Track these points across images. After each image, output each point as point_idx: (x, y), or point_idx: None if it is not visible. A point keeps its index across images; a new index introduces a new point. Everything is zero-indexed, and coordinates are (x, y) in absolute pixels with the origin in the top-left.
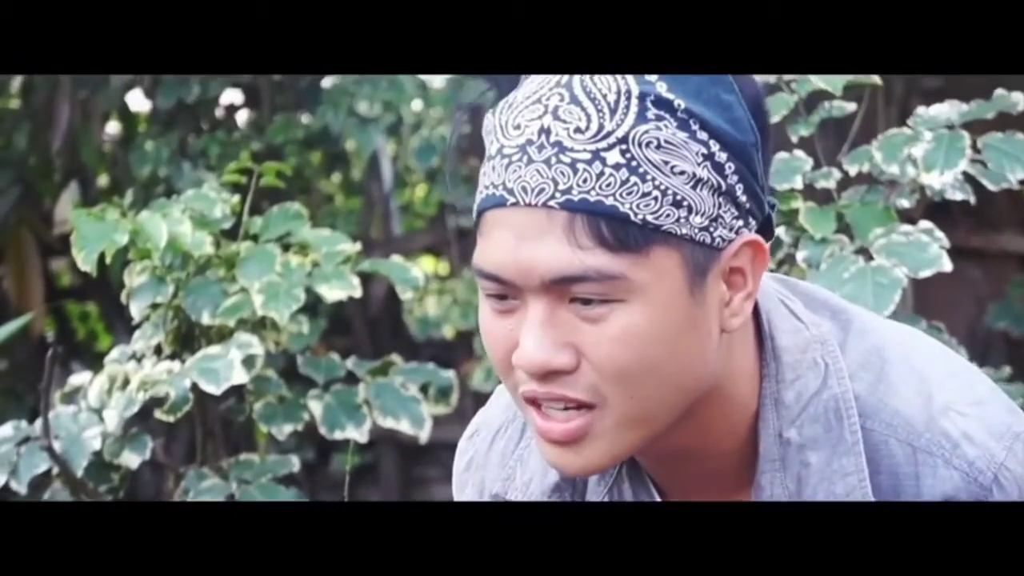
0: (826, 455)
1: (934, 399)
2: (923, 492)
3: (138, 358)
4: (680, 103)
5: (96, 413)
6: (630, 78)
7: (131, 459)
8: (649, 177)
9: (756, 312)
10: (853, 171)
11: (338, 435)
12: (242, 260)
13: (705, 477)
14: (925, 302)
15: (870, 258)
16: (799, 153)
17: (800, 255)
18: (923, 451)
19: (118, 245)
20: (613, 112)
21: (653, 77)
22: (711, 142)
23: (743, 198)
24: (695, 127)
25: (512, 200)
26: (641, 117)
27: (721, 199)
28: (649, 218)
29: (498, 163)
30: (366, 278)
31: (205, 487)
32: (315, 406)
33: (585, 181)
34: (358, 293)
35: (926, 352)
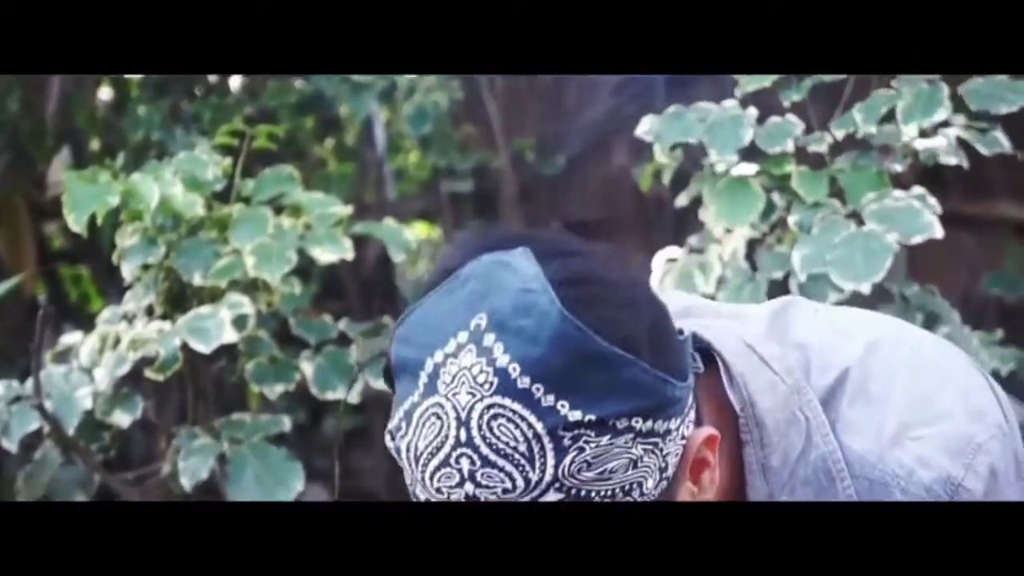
0: None
1: (886, 428)
2: None
3: (129, 319)
4: (589, 416)
5: (87, 372)
6: (531, 417)
7: (122, 418)
8: (593, 493)
9: (729, 373)
10: (840, 135)
11: (329, 395)
12: (234, 222)
13: None
14: (919, 268)
15: (862, 223)
16: (791, 117)
17: (792, 219)
18: (879, 484)
19: (110, 206)
20: (532, 462)
21: (550, 399)
22: (632, 422)
23: (676, 421)
24: (612, 422)
25: None
26: (560, 451)
27: (662, 444)
28: None
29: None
30: (359, 242)
31: (196, 446)
32: (307, 367)
33: None
34: (350, 255)
35: (888, 368)
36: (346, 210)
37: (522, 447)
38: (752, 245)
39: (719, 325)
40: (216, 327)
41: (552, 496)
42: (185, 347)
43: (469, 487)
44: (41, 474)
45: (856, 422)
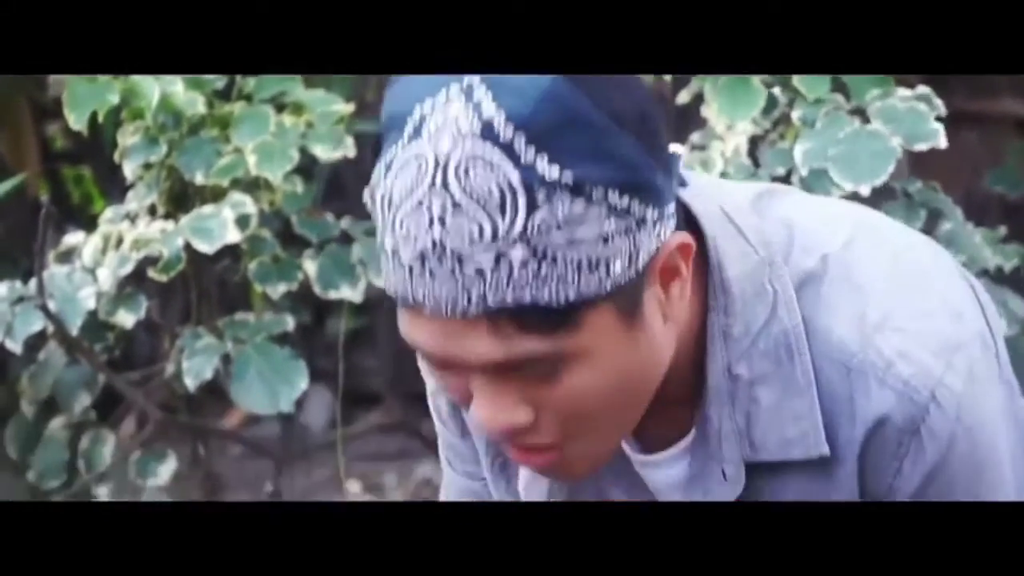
0: (776, 394)
1: (868, 316)
2: (857, 413)
3: (132, 218)
4: (566, 176)
5: (90, 272)
6: (508, 166)
7: (126, 318)
8: (559, 259)
9: (702, 240)
10: None
11: (332, 295)
12: (236, 120)
13: (656, 407)
14: (922, 165)
15: (867, 120)
16: None
17: (795, 115)
18: (856, 371)
19: (110, 105)
20: (503, 210)
21: (530, 153)
22: (608, 194)
23: (654, 213)
24: (588, 190)
25: (427, 309)
26: (532, 206)
27: (635, 232)
28: (571, 297)
29: (397, 267)
30: (360, 140)
31: (200, 346)
32: (309, 265)
33: (497, 285)
34: (352, 153)
35: (872, 260)
36: (348, 108)
37: (496, 196)
38: (755, 141)
39: (703, 192)
40: (219, 227)
41: (519, 252)
42: (188, 247)
43: (437, 230)
44: (45, 375)
45: (837, 307)
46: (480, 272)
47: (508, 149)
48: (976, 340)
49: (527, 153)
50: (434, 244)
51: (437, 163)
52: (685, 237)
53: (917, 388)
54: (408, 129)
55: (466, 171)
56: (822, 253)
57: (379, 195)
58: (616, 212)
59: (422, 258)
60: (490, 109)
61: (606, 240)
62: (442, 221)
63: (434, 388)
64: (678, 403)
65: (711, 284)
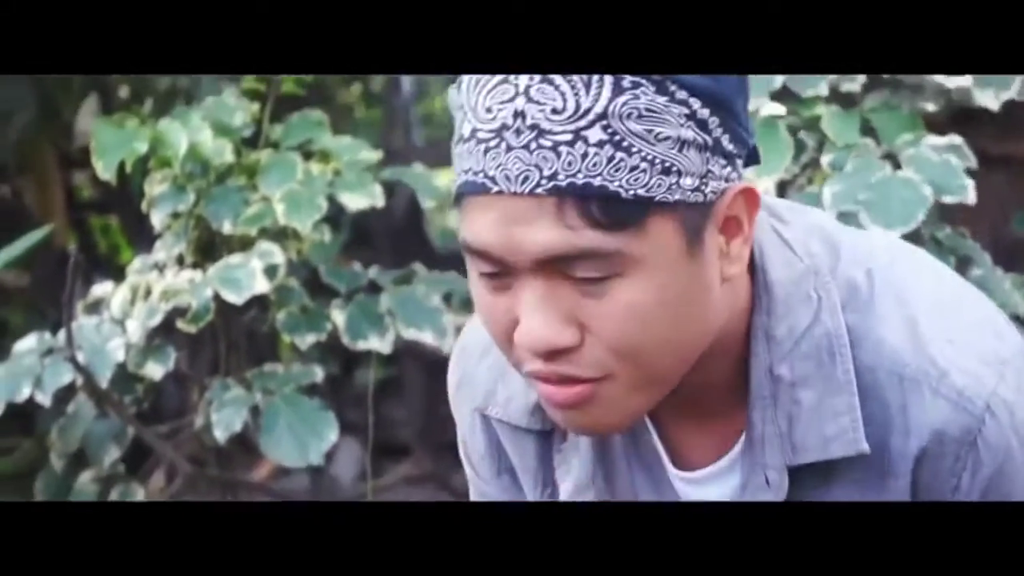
0: (817, 394)
1: (920, 327)
2: (911, 425)
3: (160, 268)
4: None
5: (119, 324)
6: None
7: (155, 370)
8: (635, 150)
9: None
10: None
11: (361, 345)
12: (263, 168)
13: (699, 408)
14: (949, 209)
15: (897, 165)
16: None
17: (825, 159)
18: (910, 380)
19: (138, 153)
20: (588, 87)
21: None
22: (691, 100)
23: (729, 147)
24: (673, 88)
25: (496, 188)
26: (617, 88)
27: (708, 154)
28: (640, 191)
29: (473, 147)
30: (388, 188)
31: (229, 398)
32: (338, 316)
33: (570, 164)
34: (381, 202)
35: (916, 279)
36: (375, 155)
37: (583, 73)
38: (783, 186)
39: None
40: (247, 277)
41: (596, 132)
42: (216, 297)
43: (521, 101)
44: (75, 427)
45: (888, 317)
46: (556, 147)
47: None
48: (1020, 355)
49: None
50: (515, 114)
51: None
52: (750, 184)
53: (971, 398)
54: None
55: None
56: (868, 266)
57: (466, 80)
58: (696, 121)
59: (501, 130)
60: None
61: (681, 147)
62: (527, 91)
63: (464, 432)
64: (723, 413)
65: (756, 285)
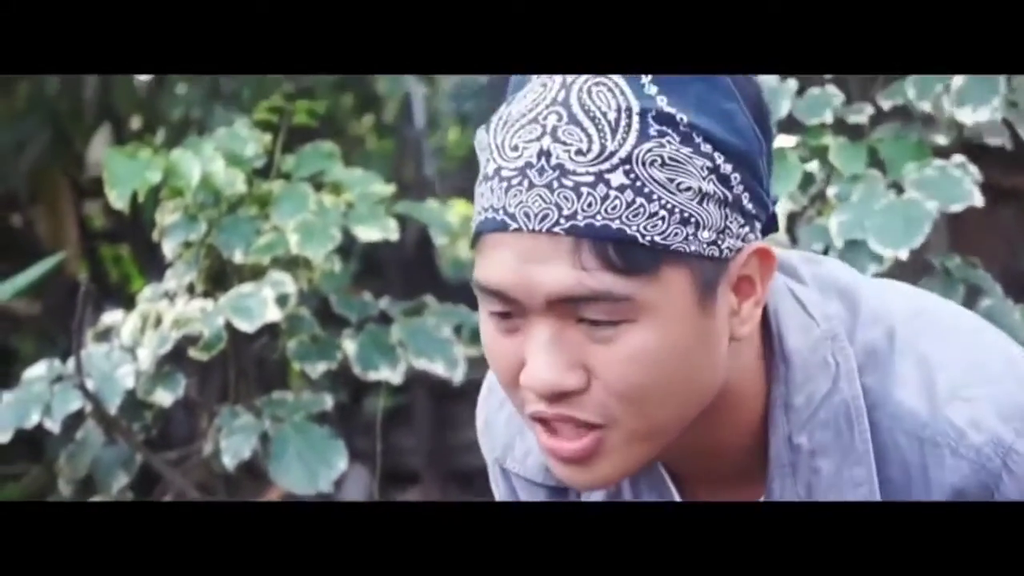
0: (836, 463)
1: (938, 387)
2: (932, 483)
3: (171, 297)
4: (682, 117)
5: (129, 351)
6: (629, 93)
7: (164, 397)
8: (655, 197)
9: (764, 310)
10: (887, 106)
11: (372, 375)
12: (276, 198)
13: (718, 471)
14: (961, 240)
15: (902, 192)
16: (831, 88)
17: (831, 191)
18: (929, 442)
19: (151, 183)
20: (614, 131)
21: (653, 90)
22: (715, 155)
23: (749, 206)
24: (698, 140)
25: (514, 226)
26: (643, 135)
27: (728, 210)
28: (657, 239)
29: (496, 185)
30: (400, 221)
31: (238, 425)
32: (349, 345)
33: (590, 205)
34: (395, 236)
35: (936, 331)
36: (388, 188)
37: (611, 115)
38: (792, 218)
39: None
40: (259, 305)
41: (619, 177)
42: (228, 325)
43: (547, 140)
44: (83, 454)
45: (906, 379)
46: (577, 188)
47: (633, 79)
48: None
49: (650, 87)
50: (540, 153)
51: (563, 84)
52: (762, 244)
53: (990, 456)
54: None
55: (588, 91)
56: (887, 325)
57: (495, 121)
58: (717, 175)
59: (525, 168)
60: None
61: (702, 199)
62: (554, 131)
63: (492, 474)
64: (742, 478)
65: (773, 355)
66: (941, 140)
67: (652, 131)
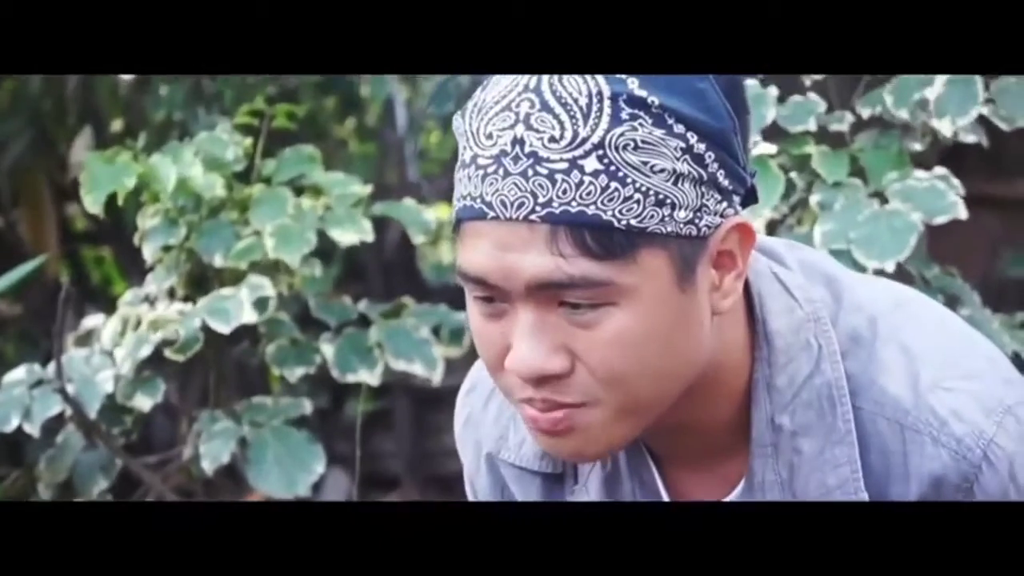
0: (818, 443)
1: (921, 376)
2: (911, 471)
3: (151, 301)
4: (653, 99)
5: (109, 356)
6: (600, 78)
7: (144, 402)
8: (629, 180)
9: (747, 292)
10: (866, 114)
11: (350, 378)
12: (255, 203)
13: (701, 451)
14: (939, 249)
15: (885, 201)
16: (812, 96)
17: (813, 199)
18: (910, 429)
19: (127, 188)
20: (586, 117)
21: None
22: (688, 134)
23: (725, 182)
24: (671, 122)
25: (491, 214)
26: (615, 119)
27: (703, 188)
28: (633, 222)
29: (473, 173)
30: (380, 223)
31: (217, 430)
32: (327, 349)
33: (564, 192)
34: (370, 237)
35: (919, 324)
36: (365, 190)
37: (583, 100)
38: (773, 226)
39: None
40: (235, 307)
41: (592, 162)
42: (206, 329)
43: (520, 128)
44: (63, 458)
45: (889, 366)
46: (552, 175)
47: None
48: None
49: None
50: (514, 141)
51: (531, 79)
52: (742, 219)
53: (970, 447)
54: None
55: (559, 78)
56: (871, 313)
57: (470, 108)
58: (691, 155)
59: (500, 156)
60: None
61: (676, 179)
62: (527, 119)
63: (471, 471)
64: (724, 456)
65: (756, 335)
66: (919, 147)
67: (624, 115)
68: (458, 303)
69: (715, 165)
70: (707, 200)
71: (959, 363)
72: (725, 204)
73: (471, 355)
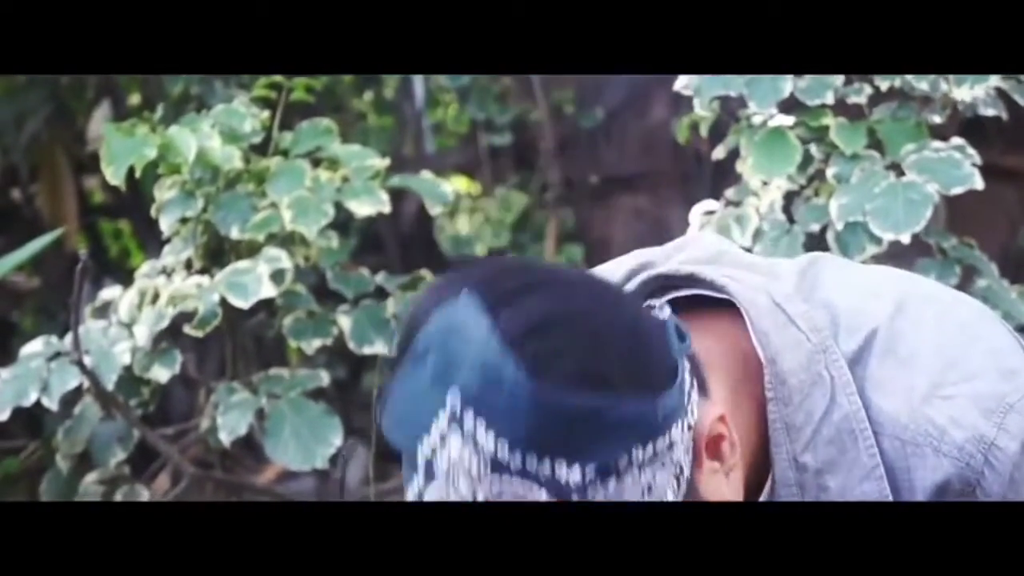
0: (844, 479)
1: (917, 388)
2: (916, 484)
3: (168, 273)
4: (590, 470)
5: (126, 328)
6: (533, 487)
7: (161, 373)
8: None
9: (752, 332)
10: (884, 86)
11: (367, 350)
12: (272, 175)
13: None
14: (957, 221)
15: (901, 174)
16: None
17: (830, 171)
18: (911, 443)
19: (147, 159)
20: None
21: (547, 466)
22: (634, 455)
23: (679, 425)
24: (615, 466)
25: None
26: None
27: (672, 456)
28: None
29: None
30: (398, 195)
31: (235, 402)
32: (344, 321)
33: None
34: (387, 209)
35: (918, 328)
36: (383, 162)
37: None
38: (789, 197)
39: (749, 281)
40: (254, 282)
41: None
42: (223, 302)
43: None
44: (81, 430)
45: (886, 382)
46: None
47: (524, 472)
48: None
49: (543, 468)
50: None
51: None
52: (717, 412)
53: (972, 452)
54: (420, 468)
55: (498, 502)
56: (865, 331)
57: None
58: (647, 462)
59: None
60: (488, 441)
61: (650, 489)
62: None
63: None
64: (750, 496)
65: (768, 377)
66: (937, 119)
67: (575, 499)
68: None
69: (666, 439)
70: (678, 456)
71: (958, 364)
72: (687, 423)
73: None
